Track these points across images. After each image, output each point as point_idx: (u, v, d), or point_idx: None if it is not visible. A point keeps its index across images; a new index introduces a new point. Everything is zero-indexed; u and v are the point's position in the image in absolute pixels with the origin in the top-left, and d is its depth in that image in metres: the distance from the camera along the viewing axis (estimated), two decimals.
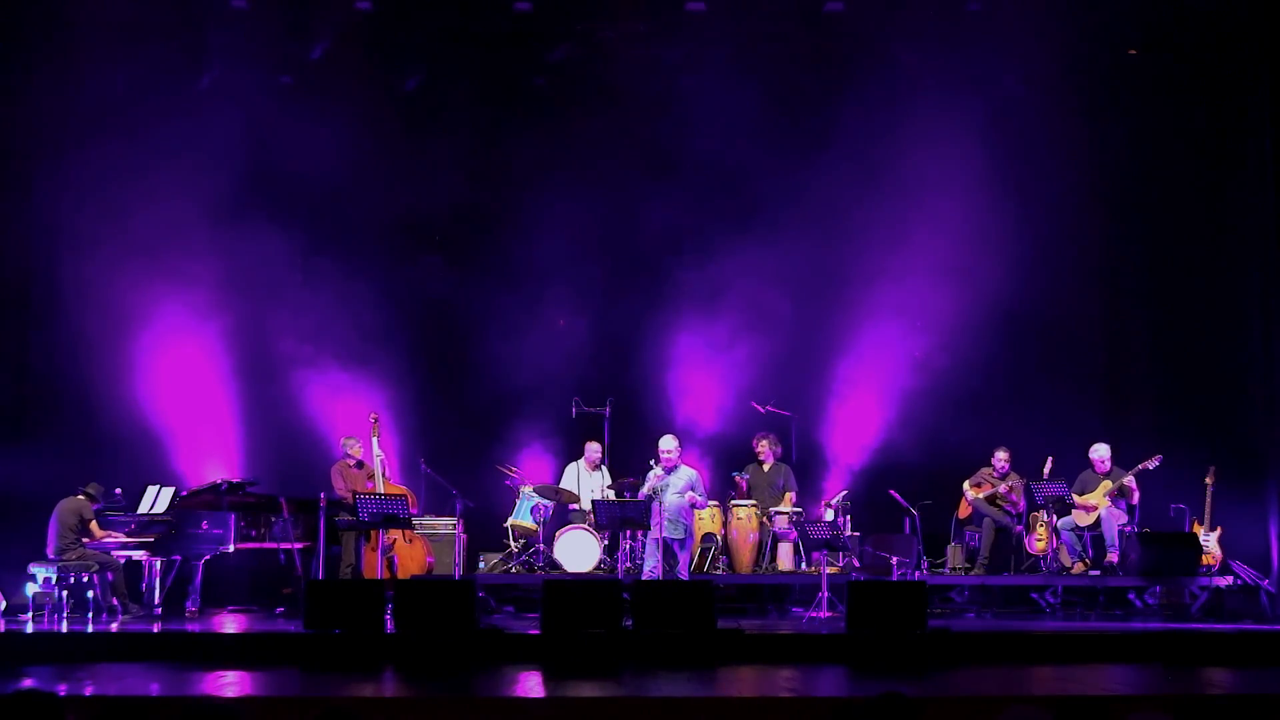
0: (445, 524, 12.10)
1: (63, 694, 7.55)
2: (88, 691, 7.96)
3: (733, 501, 12.34)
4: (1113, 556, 11.83)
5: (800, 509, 12.38)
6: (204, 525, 11.11)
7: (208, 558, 11.14)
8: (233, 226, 12.41)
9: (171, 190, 12.20)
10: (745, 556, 12.21)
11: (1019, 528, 12.15)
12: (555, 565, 11.79)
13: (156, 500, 11.52)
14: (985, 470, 12.49)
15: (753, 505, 12.30)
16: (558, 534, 11.89)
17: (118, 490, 11.60)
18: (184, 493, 11.53)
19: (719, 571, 12.08)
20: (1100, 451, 12.16)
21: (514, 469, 12.64)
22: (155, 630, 10.25)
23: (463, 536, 11.97)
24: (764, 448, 12.61)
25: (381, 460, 11.80)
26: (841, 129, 12.74)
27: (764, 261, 12.87)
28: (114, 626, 10.36)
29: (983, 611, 11.94)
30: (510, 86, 13.27)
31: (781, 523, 12.22)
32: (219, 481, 11.52)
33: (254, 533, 11.45)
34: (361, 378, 12.84)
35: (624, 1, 12.80)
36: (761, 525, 12.29)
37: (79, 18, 12.10)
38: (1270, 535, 11.96)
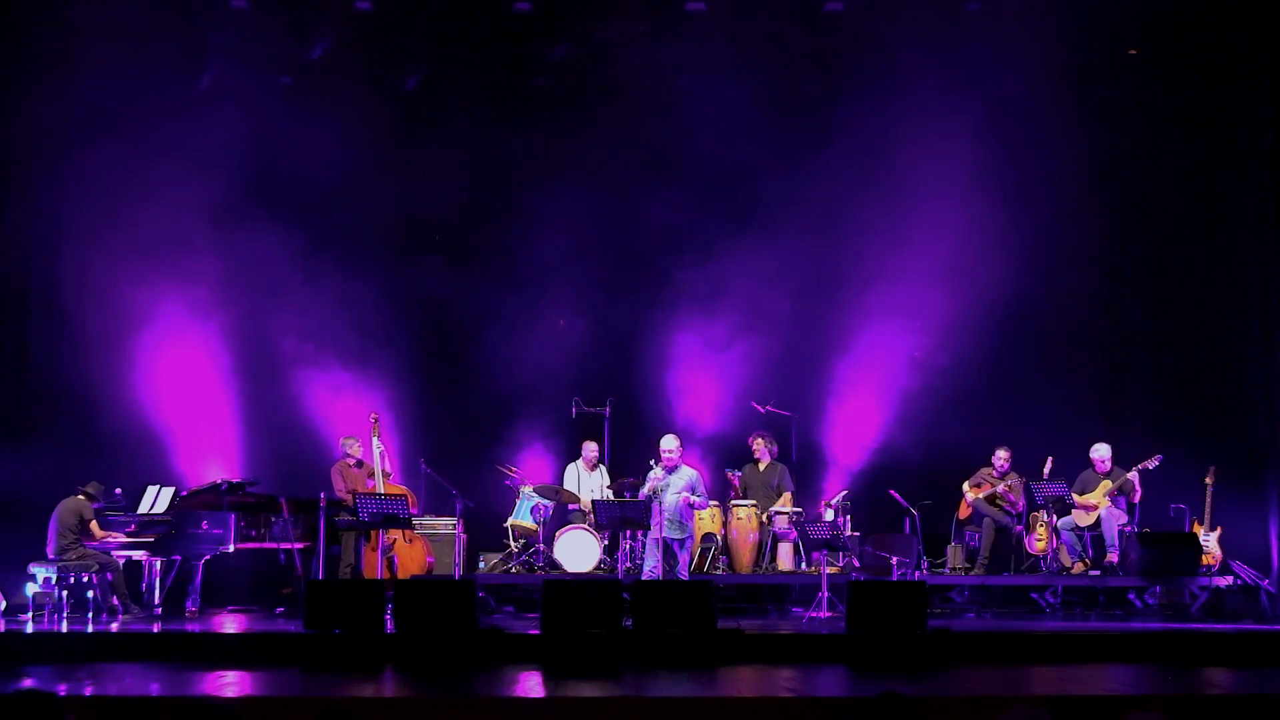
0: (445, 524, 12.11)
1: (63, 694, 7.56)
2: (88, 691, 7.96)
3: (733, 502, 12.34)
4: (1113, 556, 11.83)
5: (800, 509, 12.37)
6: (204, 525, 11.12)
7: (208, 558, 11.15)
8: (233, 226, 12.42)
9: (171, 190, 12.21)
10: (745, 556, 12.21)
11: (1019, 528, 12.16)
12: (555, 565, 11.79)
13: (156, 500, 11.52)
14: (985, 470, 12.50)
15: (752, 505, 12.30)
16: (558, 534, 11.89)
17: (118, 490, 11.60)
18: (184, 493, 11.53)
19: (719, 571, 12.08)
20: (1100, 451, 12.17)
21: (514, 469, 12.64)
22: (155, 630, 10.26)
23: (463, 536, 11.97)
24: (759, 446, 12.61)
25: (382, 454, 11.78)
26: (841, 129, 12.75)
27: (764, 261, 12.87)
28: (114, 626, 10.36)
29: (983, 611, 11.94)
30: (510, 86, 13.27)
31: (781, 523, 12.22)
32: (219, 481, 11.52)
33: (254, 533, 11.46)
34: (362, 377, 12.85)
35: (624, 1, 12.79)
36: (761, 525, 12.29)
37: (79, 18, 12.11)
38: (1270, 535, 11.98)
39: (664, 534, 11.22)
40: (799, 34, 12.93)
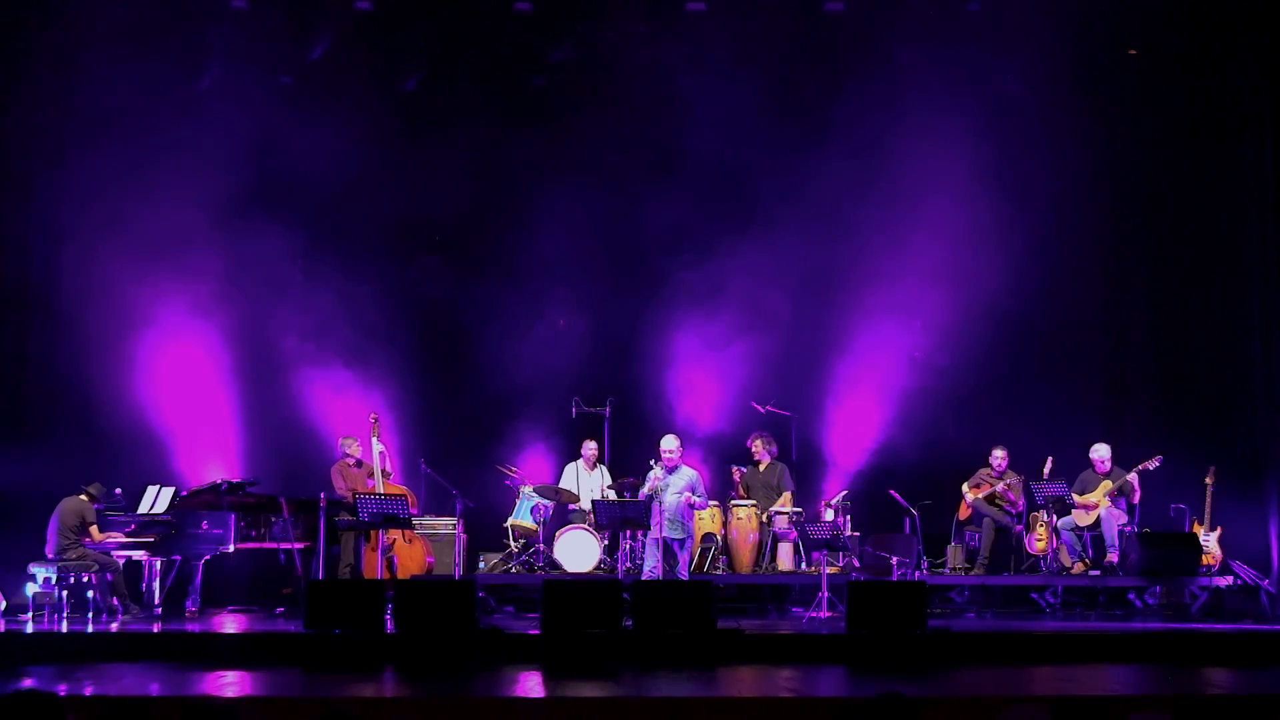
0: (445, 524, 12.11)
1: (63, 694, 7.55)
2: (88, 691, 7.96)
3: (733, 502, 12.34)
4: (1113, 556, 11.83)
5: (800, 509, 12.37)
6: (204, 525, 11.12)
7: (208, 558, 11.15)
8: (233, 226, 12.43)
9: (171, 190, 12.22)
10: (745, 556, 12.21)
11: (1019, 528, 12.15)
12: (555, 565, 11.79)
13: (156, 500, 11.52)
14: (983, 471, 12.49)
15: (752, 505, 12.30)
16: (558, 534, 11.89)
17: (118, 490, 11.60)
18: (184, 493, 11.53)
19: (719, 571, 12.08)
20: (1100, 451, 12.16)
21: (514, 469, 12.64)
22: (155, 630, 10.26)
23: (463, 536, 11.97)
24: (758, 447, 12.61)
25: (382, 454, 11.78)
26: (841, 129, 12.75)
27: (764, 261, 12.88)
28: (114, 626, 10.36)
29: (983, 611, 11.94)
30: (510, 86, 13.26)
31: (781, 523, 12.22)
32: (219, 481, 11.52)
33: (254, 533, 11.46)
34: (362, 377, 12.86)
35: (624, 1, 12.80)
36: (761, 525, 12.29)
37: (79, 19, 12.10)
38: (1270, 535, 11.97)
39: (664, 534, 11.23)
40: (799, 33, 12.93)
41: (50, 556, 10.71)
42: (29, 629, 10.19)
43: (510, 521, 12.23)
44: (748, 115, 12.79)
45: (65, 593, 10.60)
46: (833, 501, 12.18)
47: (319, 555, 10.96)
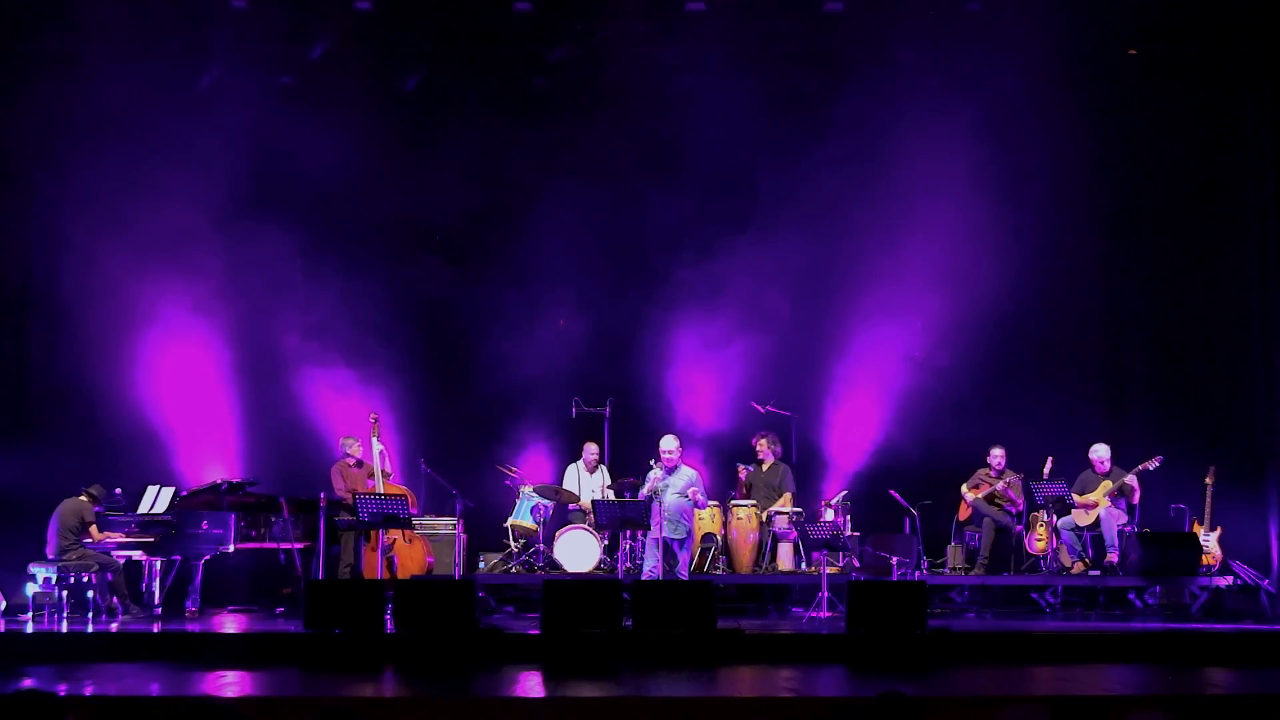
0: (445, 524, 12.11)
1: (63, 694, 7.56)
2: (88, 691, 7.96)
3: (733, 501, 12.35)
4: (1113, 556, 11.83)
5: (800, 509, 12.37)
6: (204, 525, 11.12)
7: (208, 558, 11.15)
8: (233, 226, 12.43)
9: (172, 190, 12.21)
10: (745, 556, 12.21)
11: (1019, 527, 12.15)
12: (555, 565, 11.80)
13: (156, 500, 11.53)
14: (982, 471, 12.50)
15: (752, 505, 12.30)
16: (558, 534, 11.89)
17: (118, 490, 11.61)
18: (184, 493, 11.54)
19: (719, 571, 12.08)
20: (1100, 451, 12.16)
21: (514, 469, 12.65)
22: (155, 630, 10.26)
23: (463, 536, 11.97)
24: (763, 447, 12.62)
25: (382, 454, 11.78)
26: (840, 128, 12.74)
27: (764, 261, 12.87)
28: (114, 626, 10.36)
29: (983, 611, 11.94)
30: (510, 86, 13.27)
31: (781, 523, 12.22)
32: (219, 481, 11.52)
33: (254, 533, 11.46)
34: (362, 377, 12.85)
35: (624, 1, 12.80)
36: (761, 525, 12.29)
37: (79, 19, 12.11)
38: (1270, 535, 11.97)
39: (664, 534, 11.23)
40: (799, 33, 12.94)
41: (50, 557, 10.71)
42: (29, 629, 10.19)
43: (510, 521, 12.24)
44: (747, 115, 12.79)
45: (65, 593, 10.61)
46: (833, 501, 12.18)
47: (319, 555, 10.96)
